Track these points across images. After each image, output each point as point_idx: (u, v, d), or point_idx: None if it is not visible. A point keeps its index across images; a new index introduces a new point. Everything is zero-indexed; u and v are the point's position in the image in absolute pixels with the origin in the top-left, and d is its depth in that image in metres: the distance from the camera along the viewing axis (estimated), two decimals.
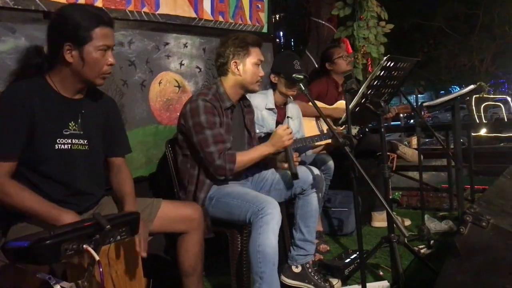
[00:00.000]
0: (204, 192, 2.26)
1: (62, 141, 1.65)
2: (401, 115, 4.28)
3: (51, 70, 1.67)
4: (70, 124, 1.69)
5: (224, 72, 2.32)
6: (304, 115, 3.21)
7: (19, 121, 1.56)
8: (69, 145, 1.68)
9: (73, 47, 1.60)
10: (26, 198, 1.55)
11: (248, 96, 2.49)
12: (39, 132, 1.60)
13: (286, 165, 2.43)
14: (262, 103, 2.89)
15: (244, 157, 2.22)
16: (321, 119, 3.40)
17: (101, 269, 1.21)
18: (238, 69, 2.28)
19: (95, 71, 1.65)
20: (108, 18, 1.68)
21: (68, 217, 1.54)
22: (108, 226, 1.23)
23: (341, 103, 3.56)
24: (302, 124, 3.13)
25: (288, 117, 3.02)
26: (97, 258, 1.19)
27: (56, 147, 1.64)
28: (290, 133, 2.23)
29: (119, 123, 1.94)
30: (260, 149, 2.27)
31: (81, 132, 1.71)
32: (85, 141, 1.73)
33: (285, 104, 3.04)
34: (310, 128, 3.31)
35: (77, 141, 1.70)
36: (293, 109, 3.07)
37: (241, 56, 2.28)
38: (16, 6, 2.11)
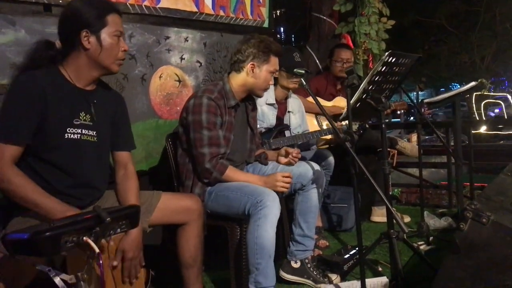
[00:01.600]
0: (199, 188, 2.25)
1: (72, 130, 1.67)
2: (398, 112, 4.28)
3: (65, 61, 1.69)
4: (81, 114, 1.70)
5: (238, 69, 2.30)
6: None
7: (31, 108, 1.57)
8: (79, 135, 1.69)
9: (90, 33, 1.65)
10: (28, 187, 1.54)
11: None
12: (50, 120, 1.61)
13: (284, 160, 2.43)
14: (263, 98, 2.88)
15: (234, 175, 2.22)
16: (321, 115, 3.40)
17: (101, 262, 1.21)
18: (253, 72, 2.28)
19: (111, 56, 1.69)
20: (116, 6, 1.75)
21: (68, 213, 1.52)
22: (108, 218, 1.23)
23: (339, 100, 3.56)
24: (304, 118, 3.12)
25: (289, 111, 3.02)
26: (97, 250, 1.19)
27: (66, 137, 1.65)
28: (288, 182, 2.21)
29: (126, 118, 1.94)
30: (251, 178, 2.25)
31: (91, 123, 1.73)
32: (94, 133, 1.74)
33: (286, 98, 3.03)
34: (310, 125, 3.30)
35: (86, 131, 1.71)
36: (294, 103, 3.06)
37: (261, 60, 2.28)
38: None
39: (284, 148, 2.49)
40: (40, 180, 1.62)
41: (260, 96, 2.40)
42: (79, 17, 1.64)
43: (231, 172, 2.21)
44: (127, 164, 1.89)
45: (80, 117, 1.70)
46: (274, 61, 2.32)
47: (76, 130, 1.68)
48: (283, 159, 2.45)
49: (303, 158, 2.67)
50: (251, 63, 2.27)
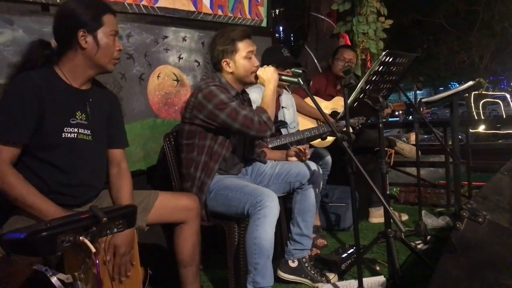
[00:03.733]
0: (210, 178, 2.25)
1: (69, 129, 1.68)
2: (397, 113, 4.28)
3: (60, 60, 1.71)
4: (77, 113, 1.71)
5: (219, 70, 2.32)
6: (300, 112, 3.22)
7: (29, 108, 1.58)
8: (75, 134, 1.70)
9: (87, 33, 1.67)
10: (24, 189, 1.55)
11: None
12: (48, 120, 1.62)
13: (295, 159, 2.48)
14: (258, 98, 2.87)
15: (264, 105, 2.24)
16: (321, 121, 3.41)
17: (97, 261, 1.21)
18: (230, 67, 2.28)
19: (107, 55, 1.72)
20: (111, 6, 1.79)
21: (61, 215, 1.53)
22: (105, 218, 1.23)
23: (338, 100, 3.56)
24: (295, 113, 3.12)
25: (282, 107, 3.01)
26: (93, 250, 1.19)
27: (63, 136, 1.66)
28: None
29: (120, 117, 1.96)
30: (266, 93, 2.26)
31: (86, 123, 1.74)
32: (89, 131, 1.75)
33: (279, 95, 3.03)
34: (311, 125, 3.30)
35: (82, 130, 1.72)
36: (286, 99, 3.06)
37: (230, 53, 2.26)
38: None
39: (293, 148, 2.54)
40: (36, 178, 1.62)
41: (253, 82, 2.37)
42: (76, 17, 1.66)
43: (263, 105, 2.24)
44: (121, 162, 1.90)
45: (77, 117, 1.71)
46: (243, 45, 2.28)
47: (73, 130, 1.69)
48: (293, 158, 2.50)
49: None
50: (223, 60, 2.27)
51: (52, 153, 1.65)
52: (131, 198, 1.84)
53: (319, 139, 3.23)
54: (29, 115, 1.59)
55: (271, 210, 2.04)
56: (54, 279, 1.24)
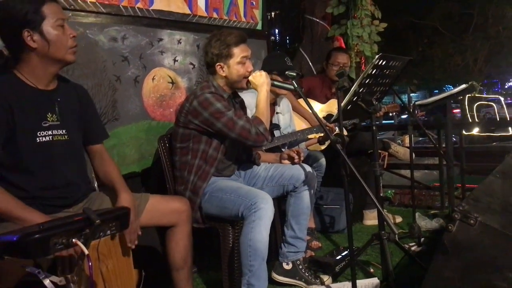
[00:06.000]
0: (204, 181, 2.25)
1: (42, 133, 1.63)
2: (391, 114, 4.29)
3: (18, 65, 1.63)
4: (48, 115, 1.66)
5: (212, 72, 2.32)
6: (294, 111, 3.22)
7: None
8: (50, 137, 1.65)
9: (32, 31, 1.57)
10: (2, 199, 1.50)
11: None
12: (19, 128, 1.57)
13: (287, 162, 2.50)
14: (252, 102, 2.87)
15: (259, 113, 2.26)
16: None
17: (90, 264, 1.21)
18: (223, 70, 2.28)
19: (62, 48, 1.63)
20: None
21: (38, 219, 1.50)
22: (98, 220, 1.23)
23: (334, 103, 3.56)
24: (292, 118, 3.13)
25: (277, 113, 3.02)
26: (86, 252, 1.19)
27: (38, 141, 1.62)
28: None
29: (92, 110, 1.91)
30: (260, 98, 2.29)
31: (59, 123, 1.69)
32: (64, 131, 1.70)
33: (274, 104, 3.03)
34: (304, 126, 3.31)
35: (56, 132, 1.68)
36: (282, 104, 3.06)
37: (224, 58, 2.26)
38: None
39: (286, 152, 2.57)
40: (16, 190, 1.57)
41: (244, 88, 2.37)
42: (15, 17, 1.55)
43: (258, 114, 2.27)
44: (102, 153, 1.90)
45: (48, 118, 1.66)
46: (238, 51, 2.27)
47: (46, 132, 1.64)
48: (286, 161, 2.52)
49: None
50: (217, 64, 2.27)
51: (30, 160, 1.60)
52: (122, 178, 1.86)
53: (317, 143, 3.24)
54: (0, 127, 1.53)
55: (266, 212, 2.04)
56: (46, 282, 1.24)
